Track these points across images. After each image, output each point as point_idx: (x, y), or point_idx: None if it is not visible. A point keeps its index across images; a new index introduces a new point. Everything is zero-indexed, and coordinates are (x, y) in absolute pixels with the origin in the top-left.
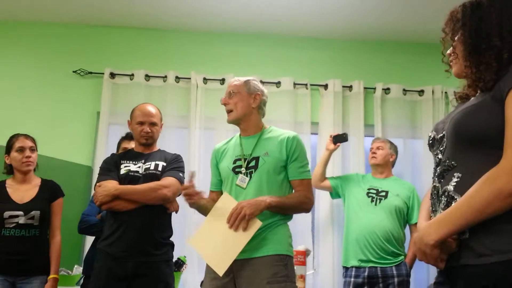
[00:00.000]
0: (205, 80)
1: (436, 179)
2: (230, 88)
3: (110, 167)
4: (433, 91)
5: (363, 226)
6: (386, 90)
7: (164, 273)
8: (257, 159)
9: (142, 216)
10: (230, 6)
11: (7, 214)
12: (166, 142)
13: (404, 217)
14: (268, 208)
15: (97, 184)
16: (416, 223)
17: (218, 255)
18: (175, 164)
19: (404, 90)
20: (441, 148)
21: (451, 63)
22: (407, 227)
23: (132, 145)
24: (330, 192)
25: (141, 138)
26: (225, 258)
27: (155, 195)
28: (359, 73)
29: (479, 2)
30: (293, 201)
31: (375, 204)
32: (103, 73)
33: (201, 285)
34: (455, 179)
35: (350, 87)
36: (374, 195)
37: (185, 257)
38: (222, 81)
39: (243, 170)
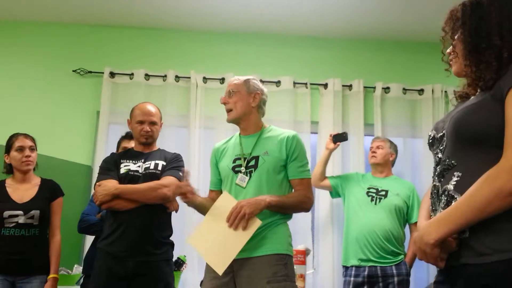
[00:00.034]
0: (205, 79)
1: (436, 178)
2: (230, 87)
3: (110, 167)
4: (433, 90)
5: (363, 226)
6: (386, 89)
7: (164, 272)
8: (256, 158)
9: (142, 216)
10: (230, 6)
11: (6, 213)
12: (166, 142)
13: (404, 216)
14: (268, 207)
15: (97, 183)
16: (416, 222)
17: (217, 254)
18: (175, 164)
19: (404, 89)
20: (441, 147)
21: (451, 62)
22: (407, 226)
23: (132, 144)
24: (330, 191)
25: (141, 137)
26: (225, 257)
27: (155, 194)
28: (359, 72)
29: (479, 1)
30: (292, 200)
31: (375, 204)
32: (103, 73)
33: (201, 285)
34: (455, 178)
35: (350, 86)
36: (374, 194)
37: (185, 256)
38: (222, 80)
39: (242, 169)
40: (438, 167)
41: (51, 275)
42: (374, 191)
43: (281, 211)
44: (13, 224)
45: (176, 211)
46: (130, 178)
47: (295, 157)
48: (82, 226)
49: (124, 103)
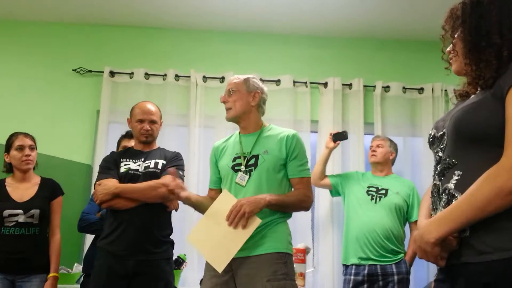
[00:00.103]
0: (205, 78)
1: (437, 177)
2: (230, 86)
3: (110, 166)
4: (433, 89)
5: (363, 224)
6: (386, 88)
7: (164, 271)
8: (256, 157)
9: (142, 215)
10: (230, 5)
11: (6, 212)
12: (165, 140)
13: (404, 215)
14: (268, 206)
15: (97, 182)
16: (416, 221)
17: (217, 252)
18: (175, 162)
19: (404, 88)
20: (442, 146)
21: (451, 61)
22: (407, 225)
23: (132, 143)
24: (330, 190)
25: (141, 136)
26: (224, 255)
27: (155, 193)
28: (359, 71)
29: None
30: (292, 199)
31: (375, 202)
32: (102, 72)
33: (200, 283)
34: (455, 177)
35: (350, 85)
36: (374, 193)
37: (185, 255)
38: (222, 79)
39: (242, 168)
40: (438, 166)
41: (51, 274)
42: (374, 189)
43: (281, 210)
44: (13, 223)
45: (176, 210)
46: (130, 177)
47: (294, 156)
48: (82, 225)
49: (124, 102)
